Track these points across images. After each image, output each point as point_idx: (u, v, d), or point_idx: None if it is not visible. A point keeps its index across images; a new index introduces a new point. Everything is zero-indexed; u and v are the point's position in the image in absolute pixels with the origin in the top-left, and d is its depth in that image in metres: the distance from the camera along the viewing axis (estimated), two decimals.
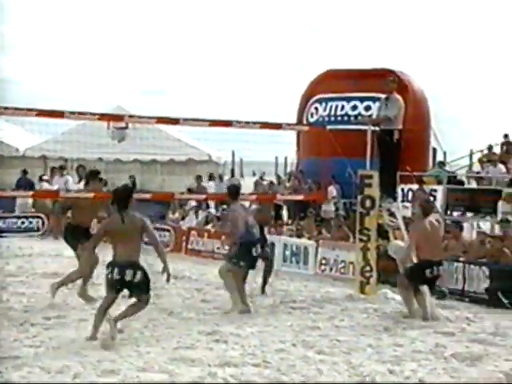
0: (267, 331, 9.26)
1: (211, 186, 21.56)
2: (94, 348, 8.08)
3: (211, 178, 22.66)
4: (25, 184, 21.06)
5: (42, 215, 20.75)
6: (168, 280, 8.58)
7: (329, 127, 14.95)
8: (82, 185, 17.53)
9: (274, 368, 7.50)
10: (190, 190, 19.02)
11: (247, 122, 12.28)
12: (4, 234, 19.25)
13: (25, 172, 22.53)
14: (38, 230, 20.61)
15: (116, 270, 8.29)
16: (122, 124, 20.59)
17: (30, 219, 20.75)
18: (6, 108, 10.95)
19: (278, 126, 12.65)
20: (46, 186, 21.28)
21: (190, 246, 17.41)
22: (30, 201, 20.89)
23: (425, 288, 10.30)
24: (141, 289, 8.42)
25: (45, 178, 22.16)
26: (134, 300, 8.56)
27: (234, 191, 11.03)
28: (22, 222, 20.59)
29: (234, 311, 10.34)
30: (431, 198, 15.95)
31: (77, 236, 10.77)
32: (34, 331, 8.90)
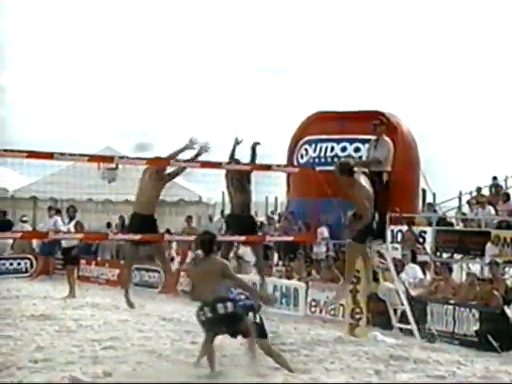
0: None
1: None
2: None
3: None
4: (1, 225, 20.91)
5: (31, 256, 20.63)
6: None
7: (318, 168, 14.96)
8: (71, 225, 17.52)
9: None
10: (168, 231, 18.90)
11: (238, 163, 12.27)
12: None
13: (4, 213, 22.51)
14: (27, 271, 20.47)
15: (206, 309, 8.48)
16: (113, 165, 20.57)
17: (19, 260, 20.61)
18: None
19: (267, 168, 12.64)
20: (26, 227, 21.13)
21: (179, 287, 17.31)
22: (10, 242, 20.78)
23: None
24: (236, 319, 8.59)
25: (24, 219, 22.03)
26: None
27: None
28: (11, 264, 20.45)
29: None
30: (421, 240, 16.01)
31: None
32: (19, 375, 8.76)
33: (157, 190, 11.77)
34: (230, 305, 8.50)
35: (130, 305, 11.47)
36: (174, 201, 24.30)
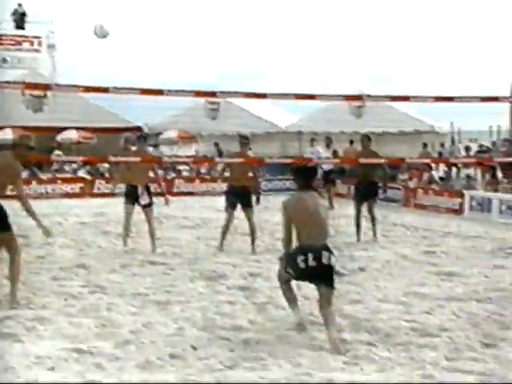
0: (489, 272, 8.74)
1: None
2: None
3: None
4: None
5: None
6: None
7: None
8: (329, 152, 17.80)
9: (494, 304, 7.06)
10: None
11: (467, 97, 11.58)
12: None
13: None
14: None
15: (311, 256, 5.78)
16: (360, 103, 20.32)
17: None
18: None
19: (495, 99, 11.81)
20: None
21: (417, 202, 17.00)
22: None
23: None
24: (330, 273, 5.88)
25: None
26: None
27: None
28: None
29: None
30: None
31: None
32: None
33: None
34: (331, 256, 5.84)
35: None
36: (410, 131, 23.73)
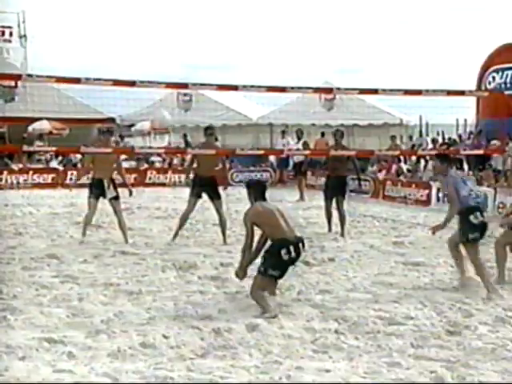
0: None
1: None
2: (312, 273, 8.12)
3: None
4: None
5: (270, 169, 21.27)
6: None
7: (506, 93, 13.97)
8: (300, 144, 17.84)
9: (459, 292, 7.16)
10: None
11: (435, 91, 11.69)
12: None
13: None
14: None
15: (292, 248, 6.24)
16: (331, 96, 20.50)
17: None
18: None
19: (461, 93, 11.95)
20: None
21: (386, 193, 17.14)
22: None
23: None
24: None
25: None
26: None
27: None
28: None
29: None
30: None
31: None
32: None
33: None
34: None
35: None
36: (379, 124, 23.87)
